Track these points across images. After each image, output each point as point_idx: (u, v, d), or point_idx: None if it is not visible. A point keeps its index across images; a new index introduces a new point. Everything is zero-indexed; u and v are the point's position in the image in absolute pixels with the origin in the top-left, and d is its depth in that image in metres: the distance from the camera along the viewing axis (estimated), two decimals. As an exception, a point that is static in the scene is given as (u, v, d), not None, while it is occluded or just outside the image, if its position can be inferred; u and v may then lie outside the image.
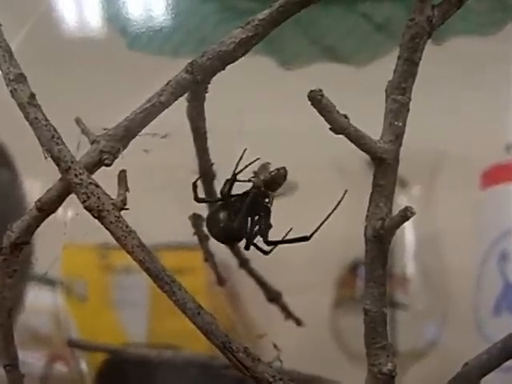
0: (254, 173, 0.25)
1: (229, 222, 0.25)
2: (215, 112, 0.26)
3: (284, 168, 0.25)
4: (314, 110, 0.21)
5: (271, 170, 0.25)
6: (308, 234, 0.25)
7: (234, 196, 0.25)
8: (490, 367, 0.23)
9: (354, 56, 0.40)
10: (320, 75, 0.38)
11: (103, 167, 0.23)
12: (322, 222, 0.25)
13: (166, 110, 0.23)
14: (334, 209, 0.25)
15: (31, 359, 0.38)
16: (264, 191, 0.25)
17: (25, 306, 0.39)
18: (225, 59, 0.22)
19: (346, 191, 0.25)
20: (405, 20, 0.22)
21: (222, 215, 0.25)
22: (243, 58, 0.23)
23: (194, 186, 0.26)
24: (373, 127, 0.22)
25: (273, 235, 0.26)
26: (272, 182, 0.25)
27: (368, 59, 0.40)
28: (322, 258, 0.51)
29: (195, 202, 0.26)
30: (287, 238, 0.25)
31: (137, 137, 0.23)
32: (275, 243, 0.25)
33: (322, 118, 0.21)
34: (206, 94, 0.26)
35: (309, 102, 0.21)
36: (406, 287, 0.49)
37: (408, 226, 0.49)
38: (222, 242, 0.26)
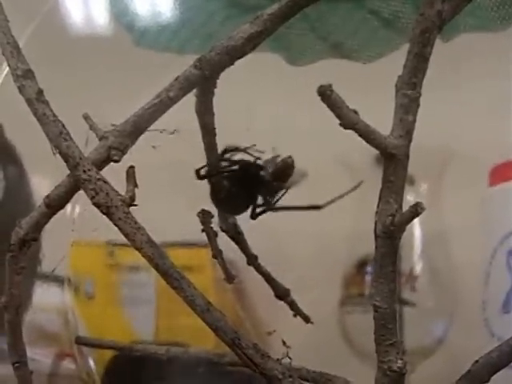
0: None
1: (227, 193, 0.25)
2: (223, 108, 0.26)
3: (290, 157, 0.25)
4: (322, 106, 0.21)
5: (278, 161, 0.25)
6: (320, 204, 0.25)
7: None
8: (500, 365, 0.23)
9: (361, 52, 0.40)
10: (328, 72, 0.38)
11: (112, 163, 0.23)
12: (336, 199, 0.25)
13: (174, 106, 0.23)
14: (350, 191, 0.25)
15: (39, 356, 0.38)
16: (276, 184, 0.25)
17: (32, 304, 0.39)
18: (233, 54, 0.22)
19: (361, 182, 0.25)
20: (413, 16, 0.22)
21: (221, 187, 0.25)
22: (251, 54, 0.23)
23: (197, 170, 0.26)
24: (381, 123, 0.22)
25: (277, 230, 0.26)
26: (281, 174, 0.25)
27: (376, 55, 0.40)
28: (329, 255, 0.51)
29: (204, 199, 0.26)
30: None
31: (145, 133, 0.23)
32: (285, 208, 0.25)
33: (329, 114, 0.21)
34: (215, 90, 0.26)
35: (316, 99, 0.21)
36: (413, 284, 0.49)
37: (416, 223, 0.49)
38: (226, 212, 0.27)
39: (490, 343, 0.42)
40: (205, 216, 0.30)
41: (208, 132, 0.27)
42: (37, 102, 0.22)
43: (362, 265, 0.50)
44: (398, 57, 0.22)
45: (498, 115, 0.48)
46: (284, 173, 0.25)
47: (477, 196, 0.46)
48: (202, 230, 0.31)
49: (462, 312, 0.49)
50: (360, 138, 0.21)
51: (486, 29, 0.38)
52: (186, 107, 0.25)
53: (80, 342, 0.38)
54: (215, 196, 0.26)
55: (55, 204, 0.23)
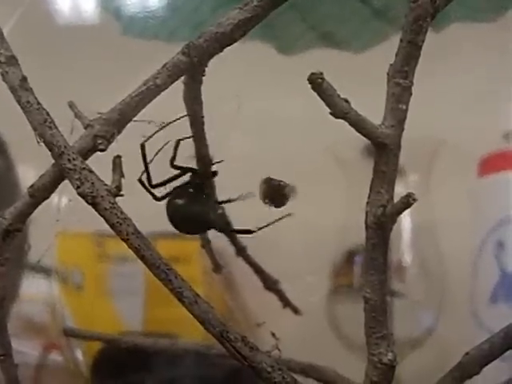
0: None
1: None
2: (212, 97, 0.26)
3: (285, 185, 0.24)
4: (312, 96, 0.20)
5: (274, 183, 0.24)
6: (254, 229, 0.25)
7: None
8: (491, 357, 0.22)
9: (352, 42, 0.40)
10: (318, 61, 0.38)
11: (97, 152, 0.22)
12: (271, 223, 0.25)
13: (161, 95, 0.22)
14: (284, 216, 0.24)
15: (26, 348, 0.38)
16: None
17: (19, 295, 0.38)
18: (222, 41, 0.22)
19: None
20: (404, 6, 0.21)
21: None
22: (241, 43, 0.22)
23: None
24: (372, 113, 0.22)
25: (266, 221, 0.25)
26: (276, 198, 0.24)
27: (367, 45, 0.39)
28: (318, 246, 0.51)
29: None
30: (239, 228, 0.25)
31: (132, 122, 0.22)
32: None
33: (319, 105, 0.20)
34: (203, 79, 0.25)
35: (306, 88, 0.20)
36: (402, 275, 0.49)
37: (405, 214, 0.49)
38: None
39: (479, 334, 0.43)
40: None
41: (196, 120, 0.26)
42: (20, 89, 0.22)
43: (351, 255, 0.50)
44: (389, 47, 0.22)
45: (488, 106, 0.48)
46: (280, 196, 0.24)
47: (466, 187, 0.46)
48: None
49: (451, 303, 0.49)
50: (350, 128, 0.21)
51: (477, 19, 0.38)
52: (175, 96, 0.24)
53: (68, 333, 0.37)
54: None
55: (39, 194, 0.22)
